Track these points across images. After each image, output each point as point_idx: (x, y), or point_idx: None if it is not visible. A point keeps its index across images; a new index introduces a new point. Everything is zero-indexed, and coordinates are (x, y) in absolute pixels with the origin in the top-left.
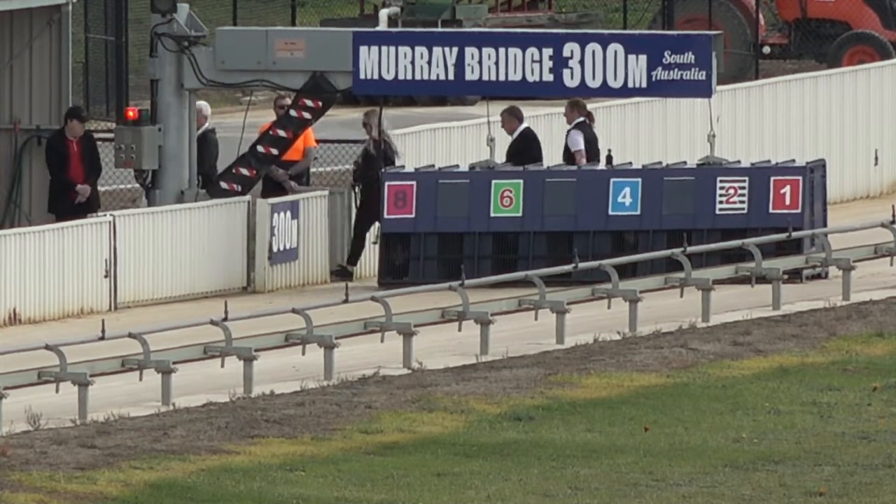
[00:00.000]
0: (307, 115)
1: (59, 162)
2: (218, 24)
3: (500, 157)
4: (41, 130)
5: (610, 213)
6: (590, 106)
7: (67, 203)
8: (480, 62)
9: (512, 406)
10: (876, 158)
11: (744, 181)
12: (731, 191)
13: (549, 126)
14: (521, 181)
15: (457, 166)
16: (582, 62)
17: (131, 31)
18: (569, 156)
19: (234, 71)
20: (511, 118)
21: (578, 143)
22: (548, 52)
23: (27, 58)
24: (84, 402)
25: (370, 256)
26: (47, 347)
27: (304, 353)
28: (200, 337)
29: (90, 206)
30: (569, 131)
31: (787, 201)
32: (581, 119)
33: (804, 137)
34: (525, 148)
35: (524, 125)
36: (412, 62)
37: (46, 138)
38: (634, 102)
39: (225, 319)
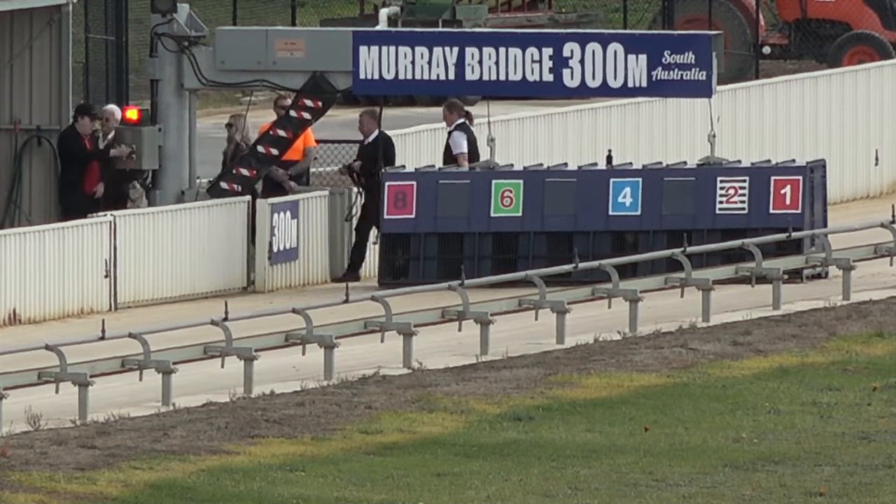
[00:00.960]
0: (307, 116)
1: (73, 159)
2: (218, 24)
3: (500, 157)
4: (41, 130)
5: (610, 213)
6: (590, 106)
7: (78, 198)
8: (480, 62)
9: (512, 406)
10: (876, 158)
11: (744, 181)
12: (732, 191)
13: (550, 126)
14: (521, 181)
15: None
16: (582, 62)
17: (131, 31)
18: (450, 158)
19: (234, 71)
20: (370, 120)
21: (462, 145)
22: (548, 51)
23: (27, 58)
24: (84, 402)
25: (371, 256)
26: (47, 347)
27: (304, 353)
28: (200, 337)
29: (99, 205)
30: (450, 133)
31: (788, 201)
32: (461, 121)
33: (804, 137)
34: (376, 153)
35: (378, 130)
36: (412, 62)
37: (54, 134)
38: (634, 102)
39: (225, 319)
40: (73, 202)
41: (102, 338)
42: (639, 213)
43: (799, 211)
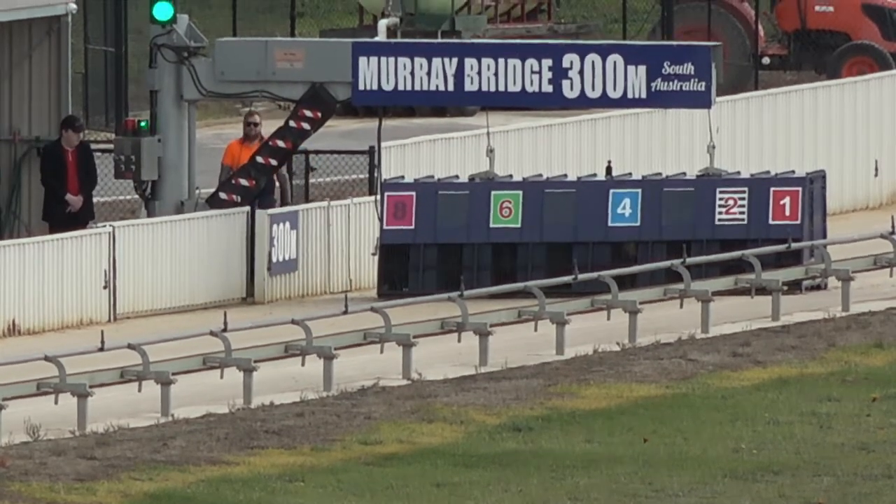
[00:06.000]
0: (306, 126)
1: (55, 172)
2: (217, 34)
3: (499, 168)
4: (40, 141)
5: (609, 224)
6: (589, 116)
7: (61, 212)
8: (480, 73)
9: (511, 417)
10: (876, 169)
11: (743, 192)
12: (731, 202)
13: (549, 137)
14: (520, 192)
15: (456, 177)
16: (581, 73)
17: (131, 41)
18: None
19: (233, 82)
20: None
21: None
22: (547, 62)
23: (27, 68)
24: (83, 412)
25: (370, 267)
26: (46, 358)
27: (303, 364)
28: (200, 348)
29: (84, 216)
30: None
31: (787, 212)
32: None
33: (804, 148)
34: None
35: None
36: (411, 73)
37: (42, 147)
38: (634, 113)
39: (224, 330)
40: (55, 216)
41: (102, 349)
42: (638, 224)
43: (798, 222)
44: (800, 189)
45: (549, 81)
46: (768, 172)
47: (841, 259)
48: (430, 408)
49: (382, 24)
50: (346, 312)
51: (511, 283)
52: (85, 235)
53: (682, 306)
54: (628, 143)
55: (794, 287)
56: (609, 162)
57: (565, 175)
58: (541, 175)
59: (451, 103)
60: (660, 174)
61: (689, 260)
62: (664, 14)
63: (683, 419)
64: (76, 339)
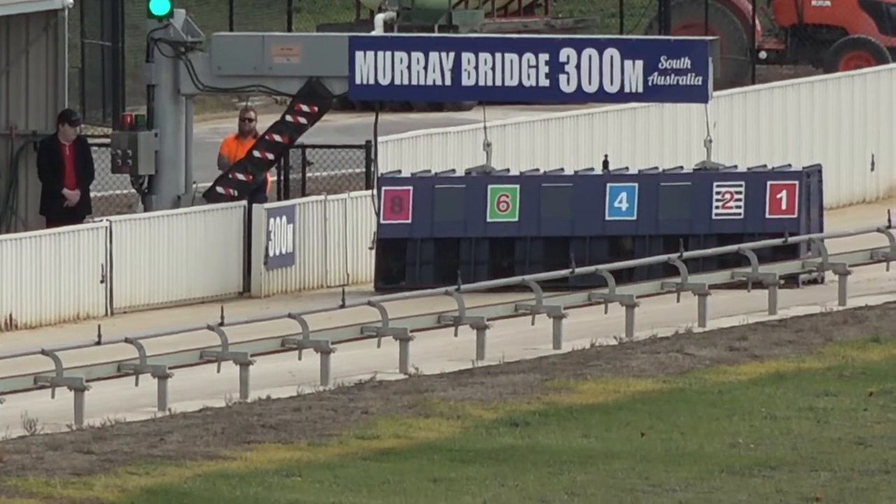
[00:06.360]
0: (303, 121)
1: (52, 166)
2: (214, 29)
3: (497, 162)
4: (37, 136)
5: (606, 218)
6: (587, 111)
7: (58, 207)
8: (477, 67)
9: (508, 411)
10: (872, 163)
11: (740, 186)
12: (728, 196)
13: (546, 131)
14: (517, 186)
15: (453, 171)
16: (578, 67)
17: (128, 36)
18: None
19: (230, 76)
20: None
21: None
22: (544, 57)
23: (24, 63)
24: (80, 407)
25: (367, 261)
26: (43, 352)
27: (300, 359)
28: (197, 342)
29: (81, 211)
30: None
31: (784, 206)
32: None
33: (801, 142)
34: None
35: None
36: (408, 67)
37: (39, 142)
38: (631, 107)
39: (221, 324)
40: (53, 210)
41: (98, 343)
42: (635, 218)
43: (795, 216)
44: (796, 183)
45: (546, 76)
46: (765, 167)
47: (837, 253)
48: (426, 402)
49: (379, 18)
50: (342, 306)
51: (508, 277)
52: (82, 230)
53: (678, 300)
54: (625, 137)
55: (790, 281)
56: (606, 156)
57: (562, 169)
58: (538, 169)
59: (448, 98)
60: (657, 168)
61: (686, 254)
62: (661, 9)
63: (680, 414)
64: (73, 334)
